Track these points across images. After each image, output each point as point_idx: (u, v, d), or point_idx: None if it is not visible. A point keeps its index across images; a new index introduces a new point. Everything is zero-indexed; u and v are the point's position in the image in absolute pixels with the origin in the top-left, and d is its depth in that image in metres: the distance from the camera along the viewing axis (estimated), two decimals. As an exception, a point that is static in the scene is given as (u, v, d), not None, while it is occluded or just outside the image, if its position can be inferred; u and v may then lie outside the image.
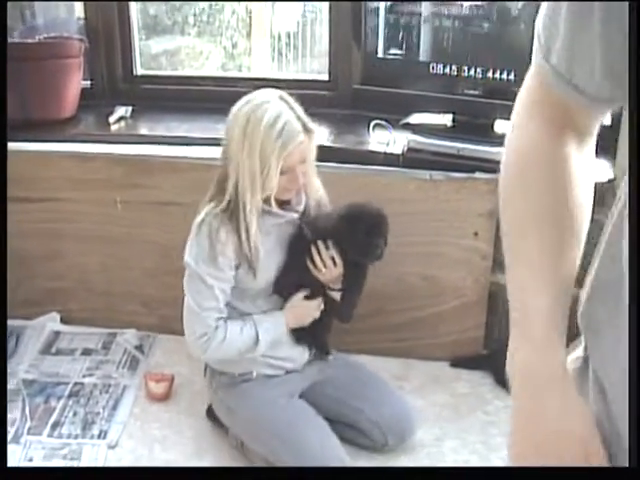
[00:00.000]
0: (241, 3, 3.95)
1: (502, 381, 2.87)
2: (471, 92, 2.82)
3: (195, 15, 4.04)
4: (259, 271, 2.29)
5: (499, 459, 2.51)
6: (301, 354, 2.51)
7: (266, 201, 2.26)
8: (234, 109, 2.23)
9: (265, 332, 2.35)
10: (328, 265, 2.33)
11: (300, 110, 2.22)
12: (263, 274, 2.32)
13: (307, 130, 2.21)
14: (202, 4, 3.93)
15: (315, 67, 4.50)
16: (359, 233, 2.26)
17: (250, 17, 4.11)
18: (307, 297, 2.41)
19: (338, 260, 2.34)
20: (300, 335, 2.46)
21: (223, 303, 2.31)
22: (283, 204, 2.34)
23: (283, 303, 2.42)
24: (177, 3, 3.91)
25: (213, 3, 3.95)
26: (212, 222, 2.24)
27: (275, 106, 2.18)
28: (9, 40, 3.24)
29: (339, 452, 2.33)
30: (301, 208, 2.41)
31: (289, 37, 4.44)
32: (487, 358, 2.99)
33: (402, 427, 2.48)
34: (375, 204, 2.37)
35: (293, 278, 2.38)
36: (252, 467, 2.44)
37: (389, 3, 2.89)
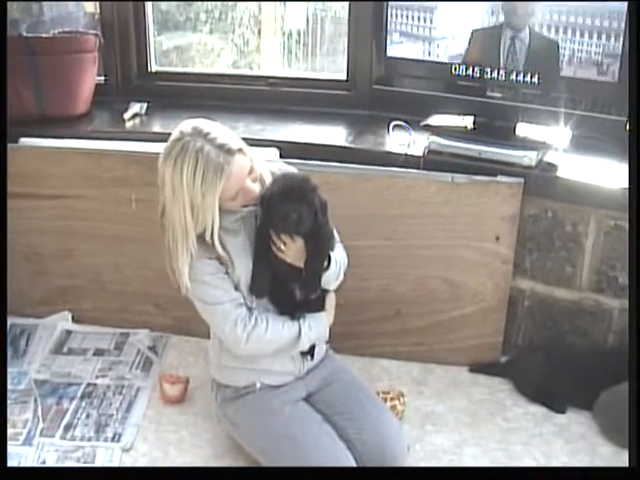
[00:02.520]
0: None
1: (521, 388, 2.84)
2: (493, 94, 2.79)
3: (207, 12, 4.00)
4: (236, 267, 2.26)
5: (520, 469, 2.49)
6: (303, 362, 2.46)
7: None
8: (159, 158, 2.18)
9: (308, 329, 2.33)
10: (286, 242, 2.24)
11: (221, 134, 2.15)
12: (242, 270, 2.27)
13: (232, 153, 2.13)
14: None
15: (325, 65, 4.46)
16: (277, 201, 2.16)
17: (260, 14, 4.06)
18: (284, 284, 2.34)
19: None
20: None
21: (230, 292, 2.27)
22: None
23: (268, 304, 2.36)
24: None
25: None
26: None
27: (191, 151, 2.10)
28: (23, 34, 3.22)
29: (347, 460, 2.26)
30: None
31: (299, 35, 4.40)
32: (507, 365, 2.95)
33: (382, 456, 2.34)
34: (302, 174, 2.31)
35: (264, 271, 2.28)
36: (256, 467, 2.40)
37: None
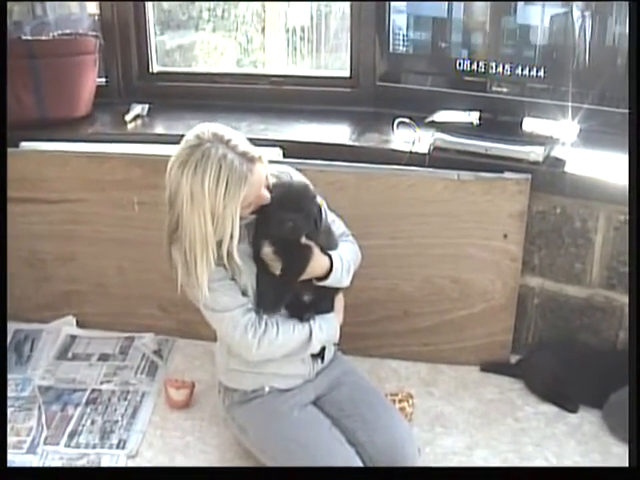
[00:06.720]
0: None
1: (532, 388, 2.80)
2: (499, 89, 2.74)
3: (210, 10, 3.96)
4: (243, 273, 2.20)
5: (532, 470, 2.44)
6: (313, 365, 2.43)
7: None
8: (173, 164, 2.07)
9: (319, 330, 2.30)
10: (271, 258, 2.20)
11: (241, 141, 2.07)
12: (249, 277, 2.22)
13: (254, 162, 2.07)
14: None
15: (329, 62, 4.42)
16: (274, 209, 2.13)
17: (264, 12, 4.02)
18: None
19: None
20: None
21: (237, 297, 2.22)
22: None
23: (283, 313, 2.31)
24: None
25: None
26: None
27: (213, 159, 2.00)
28: (22, 37, 3.20)
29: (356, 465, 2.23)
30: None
31: (303, 31, 4.36)
32: (518, 364, 2.90)
33: (393, 458, 2.30)
34: (301, 181, 2.28)
35: (268, 285, 2.23)
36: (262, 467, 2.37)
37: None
